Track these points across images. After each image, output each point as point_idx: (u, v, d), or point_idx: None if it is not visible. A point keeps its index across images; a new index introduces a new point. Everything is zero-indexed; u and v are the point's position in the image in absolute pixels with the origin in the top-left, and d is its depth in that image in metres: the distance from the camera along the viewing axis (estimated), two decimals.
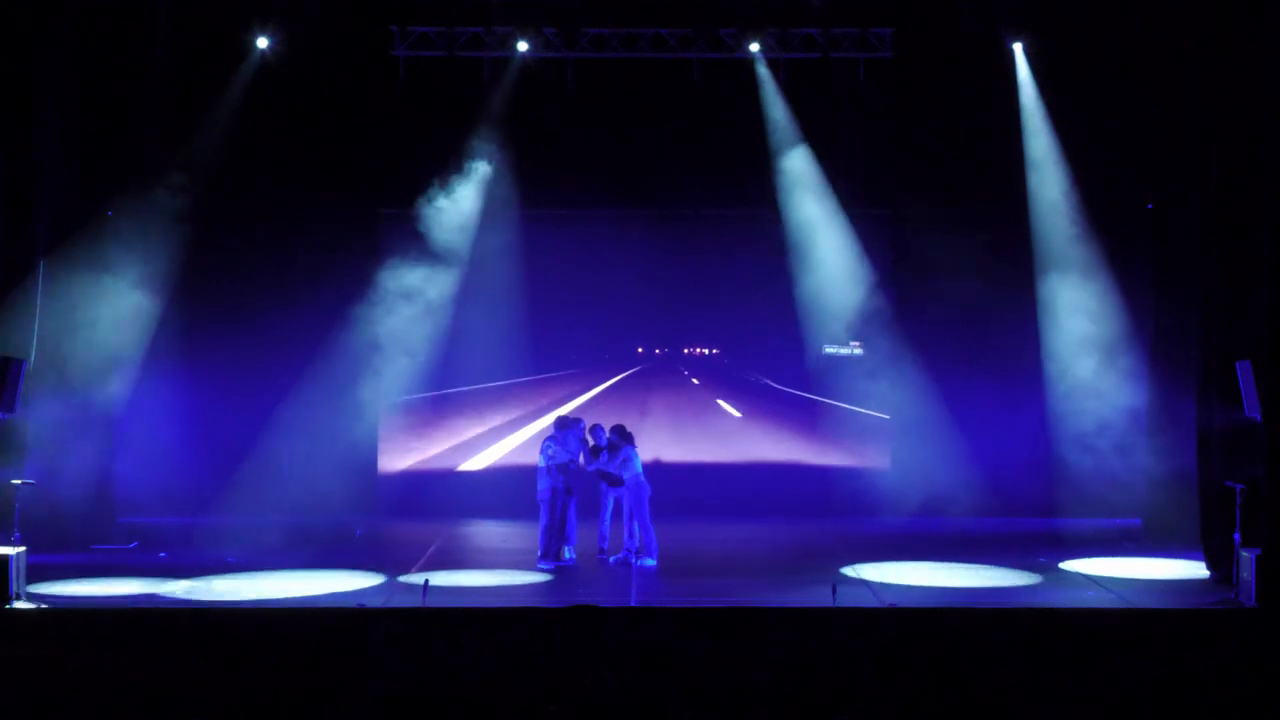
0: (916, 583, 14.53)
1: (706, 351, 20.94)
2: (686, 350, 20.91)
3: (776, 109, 18.66)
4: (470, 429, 20.29)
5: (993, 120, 18.44)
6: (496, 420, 20.37)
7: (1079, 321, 18.44)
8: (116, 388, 17.36)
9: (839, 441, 19.90)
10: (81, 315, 16.66)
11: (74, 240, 16.52)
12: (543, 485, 15.53)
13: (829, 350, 19.73)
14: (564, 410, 18.34)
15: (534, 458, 15.88)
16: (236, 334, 18.36)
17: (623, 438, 15.64)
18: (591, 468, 15.72)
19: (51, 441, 16.15)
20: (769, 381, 20.67)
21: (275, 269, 18.65)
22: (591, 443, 15.77)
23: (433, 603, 12.93)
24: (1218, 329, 14.96)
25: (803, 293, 19.22)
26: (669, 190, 18.96)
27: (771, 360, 20.37)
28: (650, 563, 15.41)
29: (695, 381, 20.68)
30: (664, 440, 20.00)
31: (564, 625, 12.27)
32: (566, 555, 15.56)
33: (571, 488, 15.53)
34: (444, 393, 19.85)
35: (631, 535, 15.54)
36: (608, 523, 15.86)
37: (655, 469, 17.18)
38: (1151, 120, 17.19)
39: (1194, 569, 15.05)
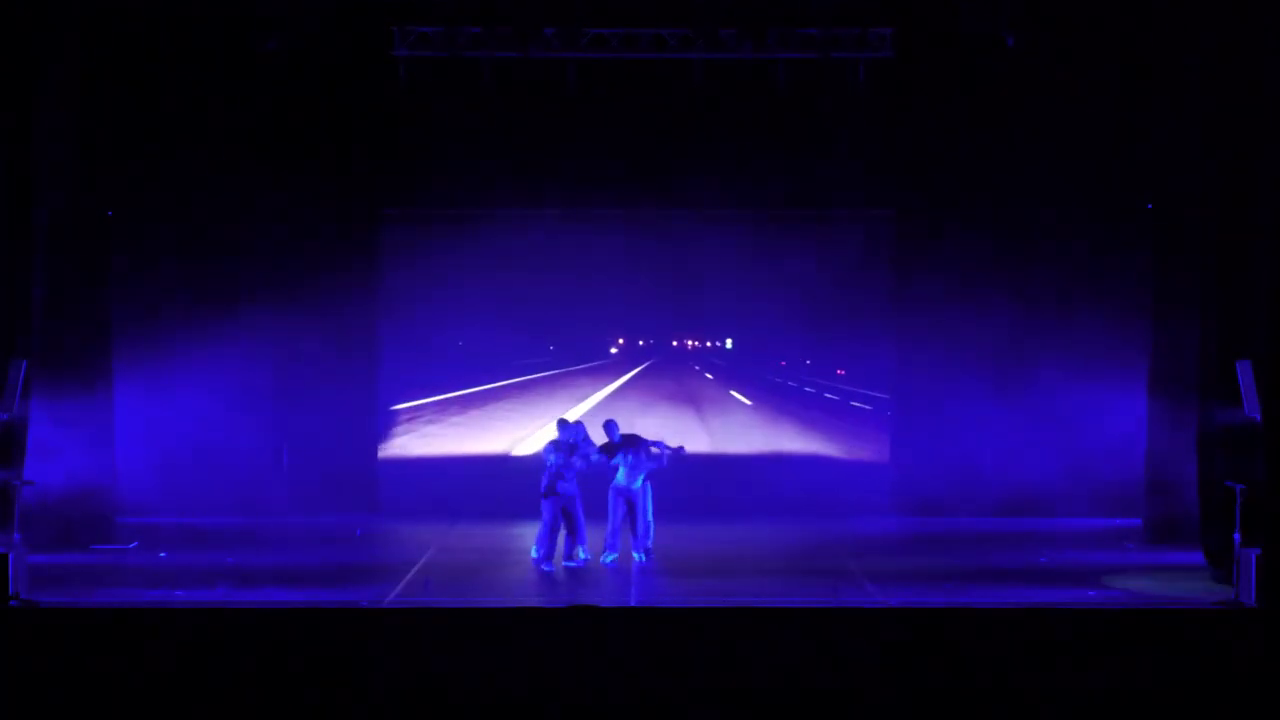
0: None
1: (722, 344, 20.15)
2: (676, 343, 20.46)
3: None
4: None
5: (993, 119, 18.47)
6: None
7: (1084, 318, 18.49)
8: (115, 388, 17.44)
9: (833, 431, 19.89)
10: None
11: (74, 239, 16.57)
12: (543, 485, 15.53)
13: None
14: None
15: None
16: (238, 334, 18.37)
17: (626, 439, 15.66)
18: (597, 461, 15.67)
19: (51, 441, 16.15)
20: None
21: (276, 269, 18.66)
22: (605, 439, 15.76)
23: (433, 603, 12.93)
24: (1218, 329, 14.96)
25: None
26: (669, 189, 18.94)
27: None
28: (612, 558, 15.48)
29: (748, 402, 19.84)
30: None
31: (564, 625, 12.27)
32: (581, 555, 15.55)
33: (571, 489, 15.48)
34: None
35: (637, 535, 15.52)
36: (617, 524, 15.79)
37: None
38: (1152, 120, 17.19)
39: None
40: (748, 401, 20.15)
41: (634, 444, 15.60)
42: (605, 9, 17.97)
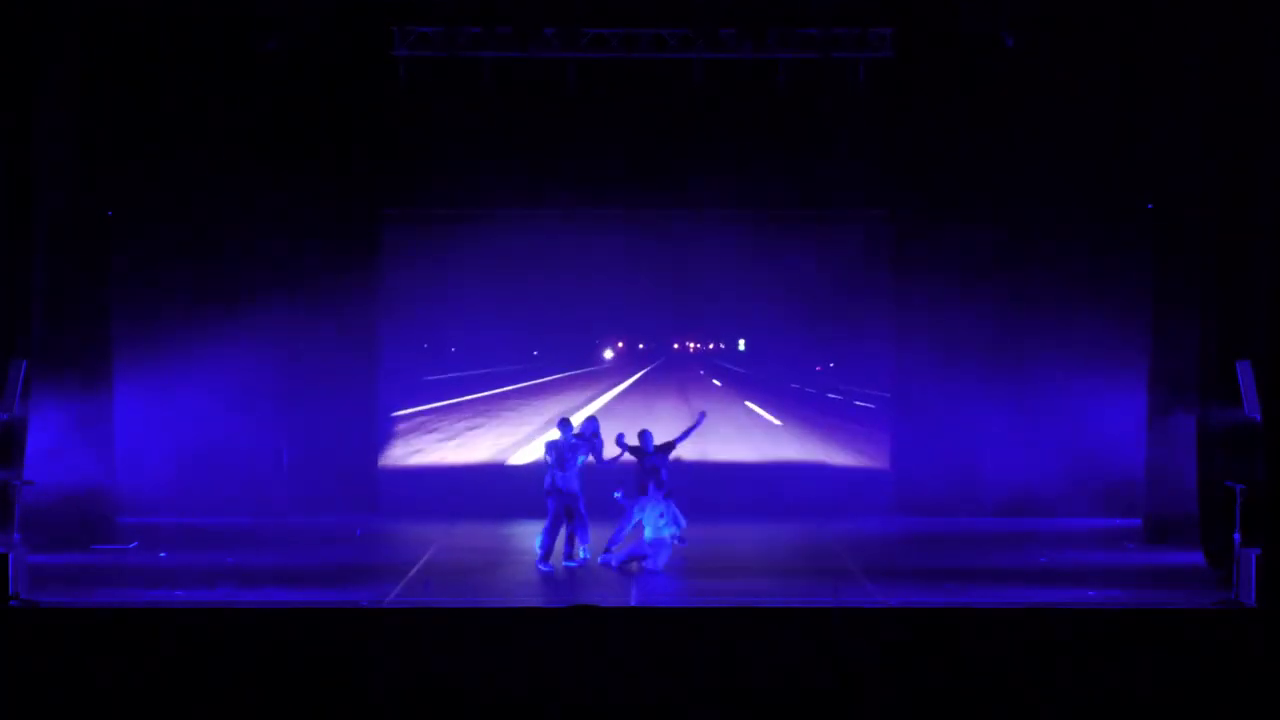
0: None
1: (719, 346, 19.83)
2: (676, 345, 20.25)
3: None
4: None
5: (993, 119, 18.48)
6: None
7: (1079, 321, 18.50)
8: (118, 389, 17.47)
9: (838, 438, 19.85)
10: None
11: (74, 239, 16.57)
12: (545, 484, 15.54)
13: None
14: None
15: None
16: (238, 334, 18.38)
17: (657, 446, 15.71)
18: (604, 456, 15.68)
19: (51, 441, 16.16)
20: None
21: (276, 269, 18.66)
22: (636, 444, 15.76)
23: (433, 603, 12.93)
24: (1218, 329, 14.97)
25: None
26: (669, 189, 18.93)
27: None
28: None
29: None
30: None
31: (564, 625, 12.26)
32: (581, 555, 15.55)
33: (573, 487, 15.47)
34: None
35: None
36: (627, 527, 15.77)
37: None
38: (1152, 120, 17.19)
39: None
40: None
41: (659, 466, 15.52)
42: (605, 9, 17.97)
